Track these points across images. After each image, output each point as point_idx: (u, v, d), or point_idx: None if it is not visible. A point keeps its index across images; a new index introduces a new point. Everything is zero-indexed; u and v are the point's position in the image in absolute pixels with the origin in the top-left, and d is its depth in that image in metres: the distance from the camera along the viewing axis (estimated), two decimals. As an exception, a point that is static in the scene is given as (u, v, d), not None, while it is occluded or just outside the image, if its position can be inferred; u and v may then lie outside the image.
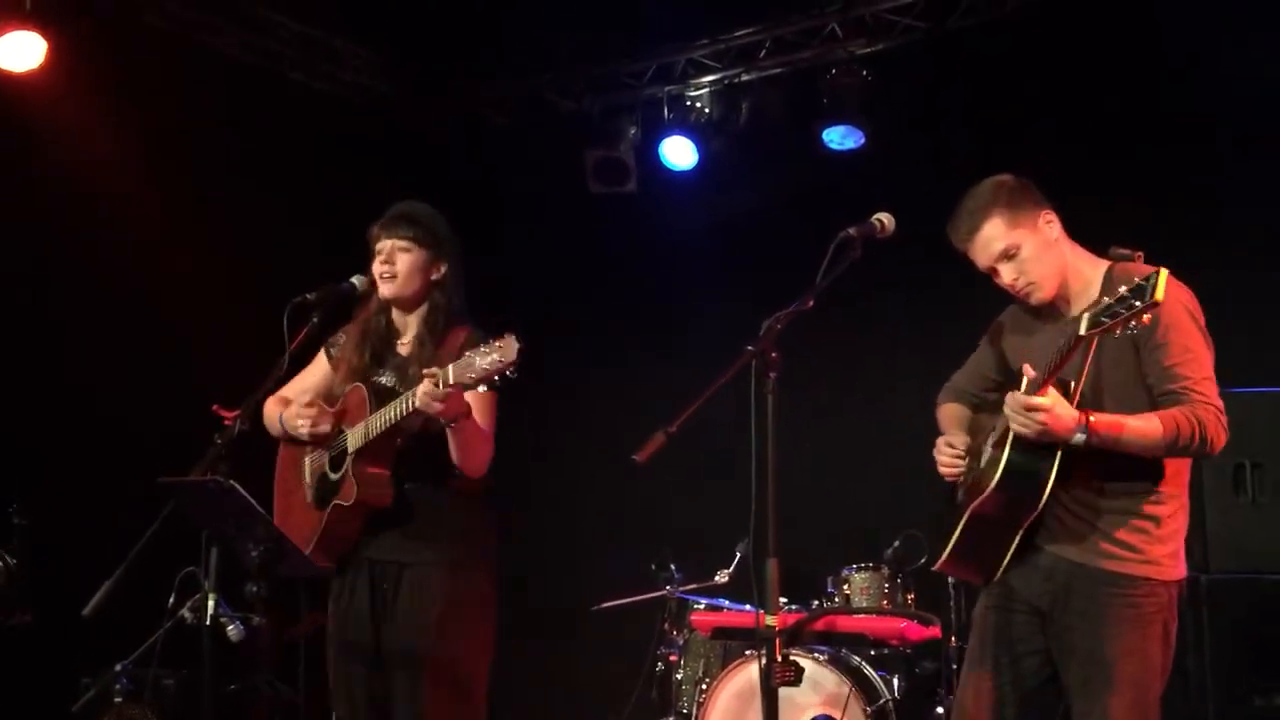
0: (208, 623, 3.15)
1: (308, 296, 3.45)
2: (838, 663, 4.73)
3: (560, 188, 6.99)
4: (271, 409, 3.66)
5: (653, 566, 5.47)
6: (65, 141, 5.59)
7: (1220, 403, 3.03)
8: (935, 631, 4.98)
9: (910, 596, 5.10)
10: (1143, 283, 2.73)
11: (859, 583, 5.10)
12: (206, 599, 3.15)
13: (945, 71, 6.10)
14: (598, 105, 6.90)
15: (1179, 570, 3.11)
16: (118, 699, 4.70)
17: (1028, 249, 3.12)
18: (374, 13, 6.43)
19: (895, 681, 4.81)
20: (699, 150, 6.61)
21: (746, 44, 6.47)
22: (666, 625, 5.46)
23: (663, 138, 6.62)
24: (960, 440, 3.32)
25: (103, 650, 4.56)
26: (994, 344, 3.41)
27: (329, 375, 3.68)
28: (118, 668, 4.59)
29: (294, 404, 3.59)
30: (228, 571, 3.18)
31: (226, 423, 3.25)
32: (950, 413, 3.48)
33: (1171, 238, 5.59)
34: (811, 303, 3.00)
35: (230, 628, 3.24)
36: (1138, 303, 2.72)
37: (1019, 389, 2.98)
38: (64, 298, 5.73)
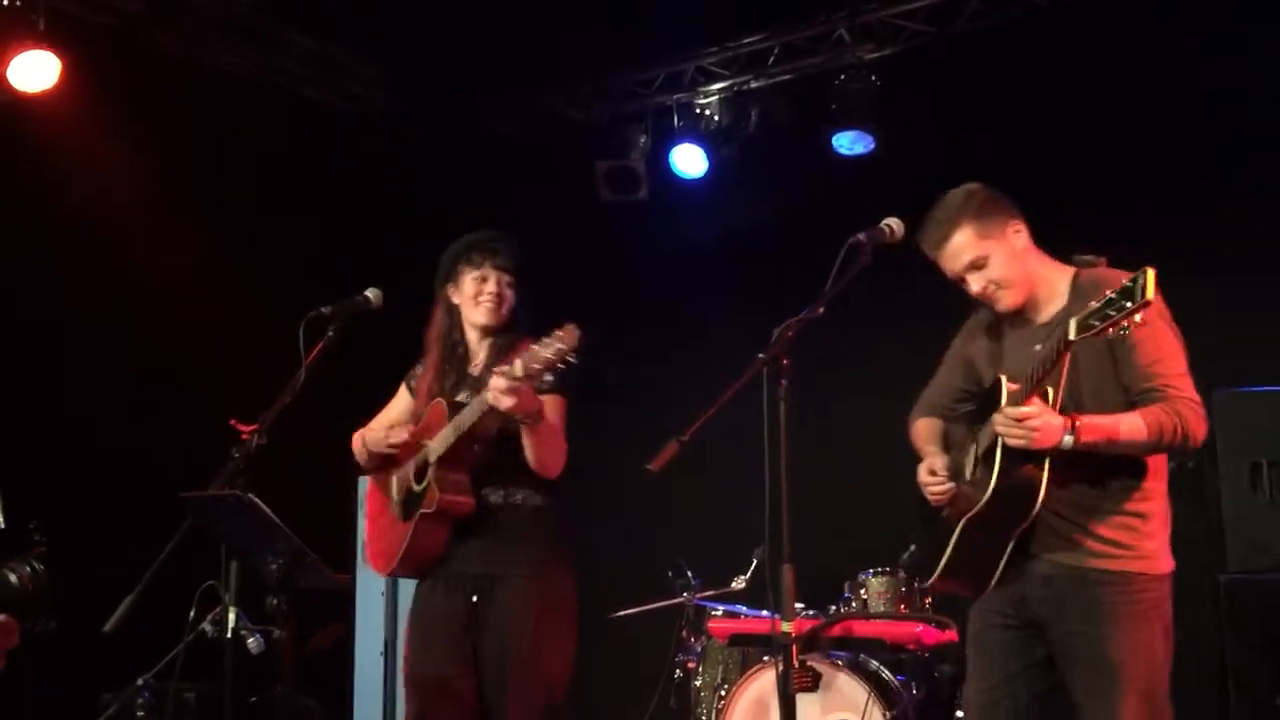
0: (228, 636, 3.17)
1: (323, 310, 3.48)
2: (856, 668, 4.73)
3: (571, 198, 7.01)
4: (358, 441, 3.75)
5: (669, 574, 5.48)
6: (78, 160, 5.63)
7: (1198, 396, 3.06)
8: (952, 635, 4.97)
9: (927, 600, 5.09)
10: (1130, 284, 2.75)
11: (875, 587, 5.09)
12: (227, 612, 3.18)
13: (953, 76, 6.11)
14: (607, 114, 6.93)
15: (1168, 563, 3.15)
16: (140, 713, 4.72)
17: (996, 258, 3.17)
18: (383, 28, 6.46)
19: (913, 686, 4.81)
20: (709, 158, 6.62)
21: (755, 51, 6.47)
22: (684, 632, 5.46)
23: (673, 146, 6.64)
24: (940, 462, 3.35)
25: (124, 665, 4.59)
26: (961, 354, 3.47)
27: (411, 405, 3.77)
28: (139, 682, 4.61)
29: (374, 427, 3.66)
30: (247, 585, 3.20)
31: (244, 437, 3.28)
32: (924, 429, 3.51)
33: (1185, 239, 5.62)
34: (823, 309, 3.02)
35: (250, 640, 3.26)
36: (1128, 304, 2.74)
37: (999, 400, 3.03)
38: (77, 315, 5.76)
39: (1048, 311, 3.19)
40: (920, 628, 4.99)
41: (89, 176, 5.66)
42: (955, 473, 3.30)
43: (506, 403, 3.24)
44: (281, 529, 3.22)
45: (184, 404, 5.72)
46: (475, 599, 3.50)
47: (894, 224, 3.18)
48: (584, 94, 6.96)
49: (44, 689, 5.09)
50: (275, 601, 3.19)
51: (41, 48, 5.39)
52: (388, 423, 3.77)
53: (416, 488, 3.54)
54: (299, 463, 4.44)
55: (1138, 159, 5.70)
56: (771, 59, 6.46)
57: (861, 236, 3.10)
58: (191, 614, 3.76)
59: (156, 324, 5.87)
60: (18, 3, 5.31)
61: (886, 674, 4.77)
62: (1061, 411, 2.99)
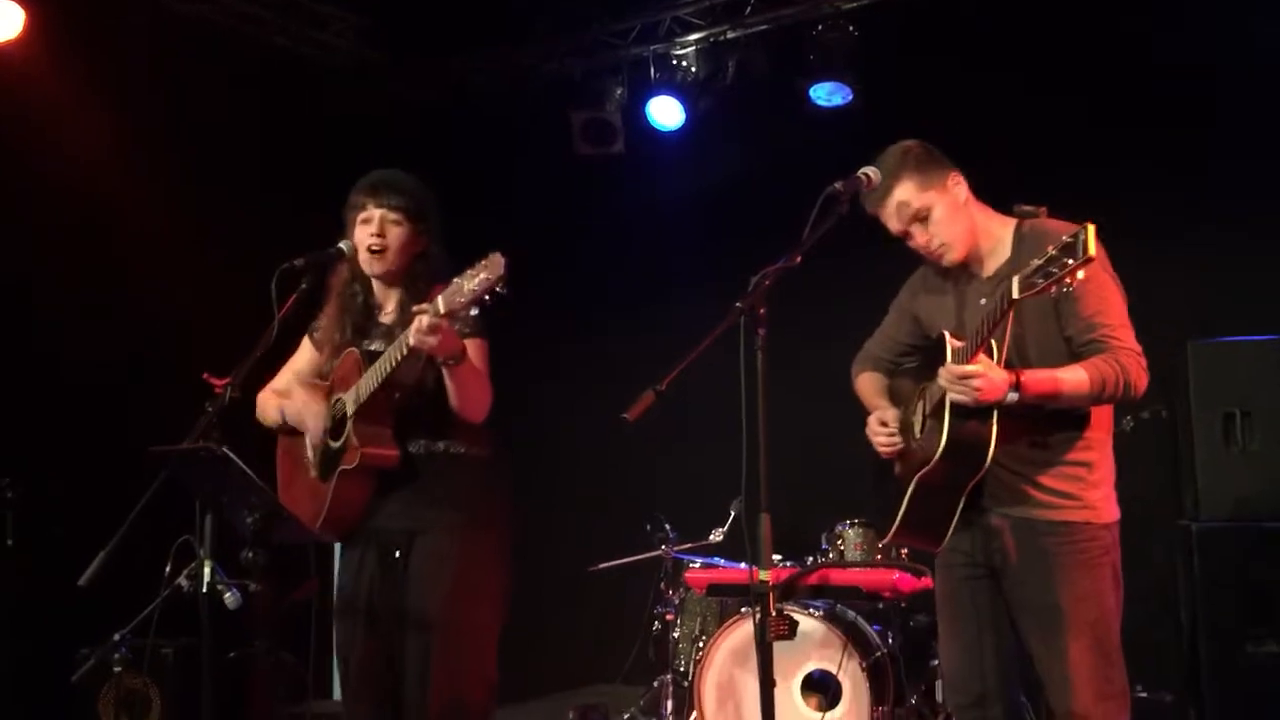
0: (204, 591, 3.15)
1: (295, 262, 3.42)
2: (832, 617, 4.76)
3: (547, 151, 6.95)
4: (265, 400, 3.65)
5: (648, 527, 5.49)
6: (46, 111, 5.55)
7: (1139, 346, 3.09)
8: (927, 582, 5.00)
9: (904, 551, 5.12)
10: (1071, 240, 2.74)
11: (852, 538, 5.13)
12: (203, 567, 3.16)
13: (931, 26, 6.07)
14: (582, 66, 6.86)
15: (1114, 512, 3.19)
16: (117, 669, 4.72)
17: (939, 210, 3.19)
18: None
19: (890, 634, 4.85)
20: (686, 109, 6.58)
21: (731, 1, 6.42)
22: (663, 585, 5.49)
23: (649, 98, 6.59)
24: (890, 415, 3.38)
25: (100, 620, 4.57)
26: (906, 308, 3.48)
27: (315, 359, 3.66)
28: (116, 638, 4.58)
29: (295, 394, 3.53)
30: (223, 539, 3.19)
31: (217, 390, 3.24)
32: (869, 383, 3.54)
33: (1163, 192, 5.62)
34: (799, 259, 3.00)
35: (227, 595, 3.24)
36: (1069, 260, 2.74)
37: (944, 356, 3.05)
38: (49, 270, 5.69)
39: (992, 264, 3.22)
40: (896, 575, 5.02)
41: (56, 127, 5.58)
42: (904, 428, 3.33)
43: (429, 342, 3.08)
44: (255, 483, 3.19)
45: (157, 358, 5.67)
46: (395, 556, 3.41)
47: (871, 173, 3.17)
48: (559, 46, 6.89)
49: (19, 644, 5.08)
50: (251, 555, 3.17)
51: (4, -2, 5.30)
52: (293, 379, 3.66)
53: (334, 444, 3.43)
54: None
55: (1115, 106, 5.69)
56: (748, 9, 6.40)
57: (838, 185, 3.08)
58: (167, 569, 3.73)
59: (128, 277, 5.81)
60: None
61: (862, 623, 4.81)
62: (1007, 366, 3.01)
